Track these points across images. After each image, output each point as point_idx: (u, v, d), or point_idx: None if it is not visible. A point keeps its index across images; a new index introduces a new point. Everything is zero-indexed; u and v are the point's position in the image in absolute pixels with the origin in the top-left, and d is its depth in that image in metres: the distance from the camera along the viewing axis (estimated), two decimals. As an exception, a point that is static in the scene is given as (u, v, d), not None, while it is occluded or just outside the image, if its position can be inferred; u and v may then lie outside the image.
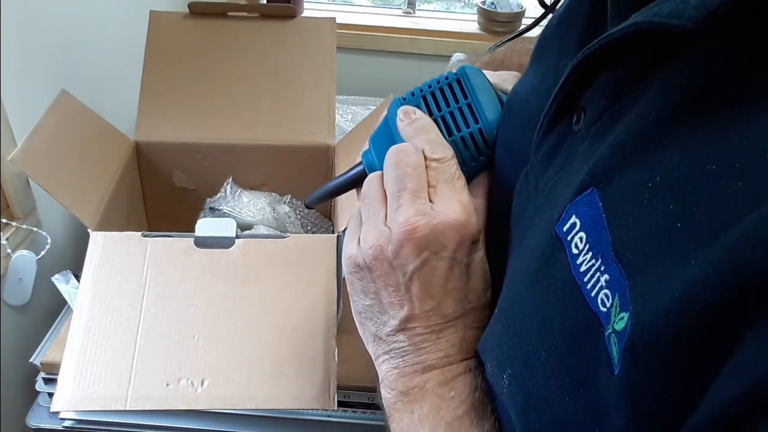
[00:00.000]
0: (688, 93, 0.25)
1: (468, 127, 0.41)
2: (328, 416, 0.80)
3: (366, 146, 0.46)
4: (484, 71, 0.44)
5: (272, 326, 0.71)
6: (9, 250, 0.91)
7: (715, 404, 0.20)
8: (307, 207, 0.52)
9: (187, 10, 1.07)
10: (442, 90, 0.42)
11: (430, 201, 0.36)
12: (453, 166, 0.38)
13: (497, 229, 0.38)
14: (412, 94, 0.43)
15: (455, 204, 0.36)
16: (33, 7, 0.96)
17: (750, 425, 0.19)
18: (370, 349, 0.39)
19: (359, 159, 0.46)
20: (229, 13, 1.09)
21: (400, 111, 0.41)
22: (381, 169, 0.40)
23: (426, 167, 0.37)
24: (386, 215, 0.37)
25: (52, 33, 1.02)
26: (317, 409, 0.79)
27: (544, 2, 0.90)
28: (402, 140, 0.40)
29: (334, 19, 1.09)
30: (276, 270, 0.74)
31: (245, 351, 0.69)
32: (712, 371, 0.20)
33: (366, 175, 0.42)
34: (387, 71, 1.78)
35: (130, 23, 1.15)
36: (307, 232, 1.05)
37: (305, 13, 1.73)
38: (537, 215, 0.32)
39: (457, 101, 0.41)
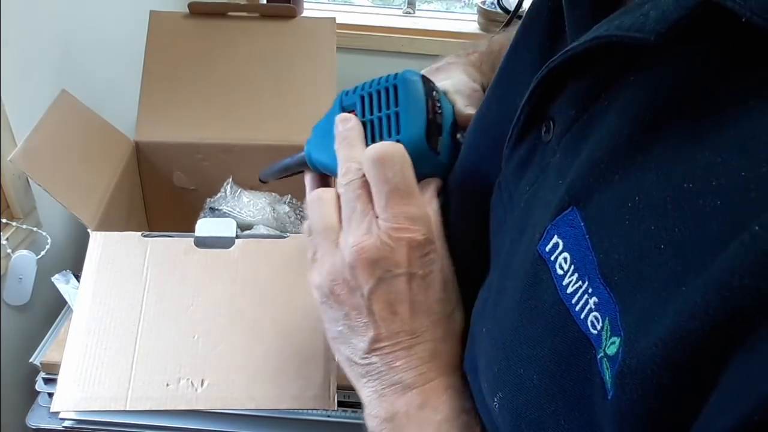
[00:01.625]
0: (657, 105, 0.25)
1: (390, 136, 0.40)
2: (328, 416, 0.80)
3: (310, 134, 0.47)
4: (438, 76, 0.45)
5: (272, 326, 0.71)
6: (9, 250, 0.91)
7: None
8: (261, 181, 0.54)
9: (187, 10, 1.07)
10: (378, 93, 0.42)
11: (377, 218, 0.36)
12: (399, 169, 0.37)
13: (467, 231, 0.38)
14: (355, 90, 0.43)
15: (400, 218, 0.35)
16: (33, 7, 0.96)
17: None
18: (349, 374, 0.39)
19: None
20: (229, 13, 1.09)
21: (338, 118, 0.42)
22: (317, 159, 0.43)
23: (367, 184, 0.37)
24: (337, 240, 0.37)
25: (52, 33, 1.01)
26: (317, 409, 0.78)
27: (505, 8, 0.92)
28: None
29: (334, 19, 1.09)
30: (276, 270, 0.74)
31: (245, 351, 0.69)
32: (701, 401, 0.20)
33: (303, 160, 0.45)
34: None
35: (130, 23, 1.15)
36: (307, 232, 1.05)
37: (305, 13, 1.73)
38: (516, 231, 0.32)
39: (388, 107, 0.41)
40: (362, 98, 0.42)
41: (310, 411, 0.80)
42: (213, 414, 0.78)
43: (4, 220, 0.90)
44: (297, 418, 0.81)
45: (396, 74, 0.42)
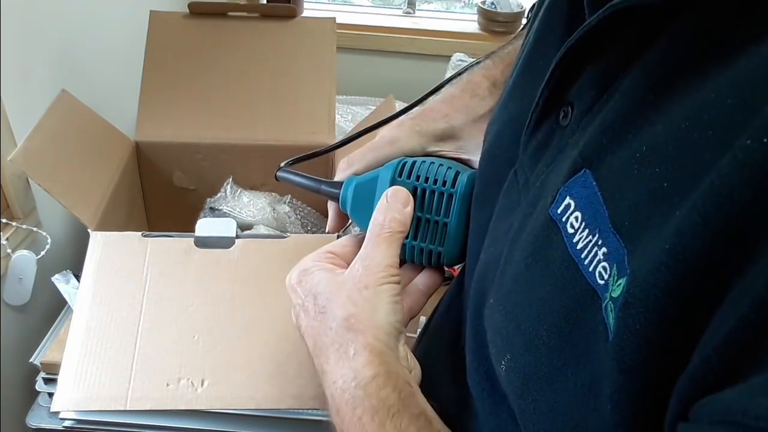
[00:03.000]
0: (668, 65, 0.26)
1: (433, 243, 0.43)
2: (328, 416, 0.80)
3: (353, 167, 0.47)
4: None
5: (272, 326, 0.71)
6: (9, 250, 0.91)
7: (708, 347, 0.20)
8: (276, 178, 0.54)
9: (187, 10, 1.07)
10: (433, 194, 0.43)
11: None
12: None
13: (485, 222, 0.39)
14: (410, 172, 0.44)
15: None
16: (33, 7, 0.96)
17: (745, 361, 0.19)
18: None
19: (341, 175, 0.48)
20: (229, 13, 1.09)
21: (390, 192, 0.43)
22: (352, 213, 0.45)
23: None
24: None
25: (52, 33, 1.02)
26: (317, 409, 0.78)
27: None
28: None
29: (334, 19, 1.09)
30: (276, 270, 0.74)
31: (245, 351, 0.69)
32: (704, 323, 0.20)
33: (335, 199, 0.46)
34: (387, 71, 1.78)
35: (130, 23, 1.15)
36: (307, 232, 1.05)
37: (305, 13, 1.73)
38: (529, 206, 0.32)
39: (438, 213, 0.43)
40: (415, 191, 0.43)
41: (310, 411, 0.80)
42: (213, 414, 0.78)
43: (4, 220, 0.90)
44: (297, 418, 0.81)
45: (456, 175, 0.43)
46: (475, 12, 1.79)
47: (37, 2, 0.96)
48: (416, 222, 0.43)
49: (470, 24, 1.80)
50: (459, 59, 1.52)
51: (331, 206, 0.50)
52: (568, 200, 0.28)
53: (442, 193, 0.43)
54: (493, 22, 1.73)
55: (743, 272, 0.19)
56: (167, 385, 0.66)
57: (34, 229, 0.95)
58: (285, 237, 0.76)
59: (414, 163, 0.44)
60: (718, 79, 0.23)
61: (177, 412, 0.78)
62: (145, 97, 1.03)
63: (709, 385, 0.20)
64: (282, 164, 0.53)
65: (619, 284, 0.24)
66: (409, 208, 0.42)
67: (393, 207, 0.42)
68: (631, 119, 0.26)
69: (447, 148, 0.48)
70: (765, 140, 0.19)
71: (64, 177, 0.81)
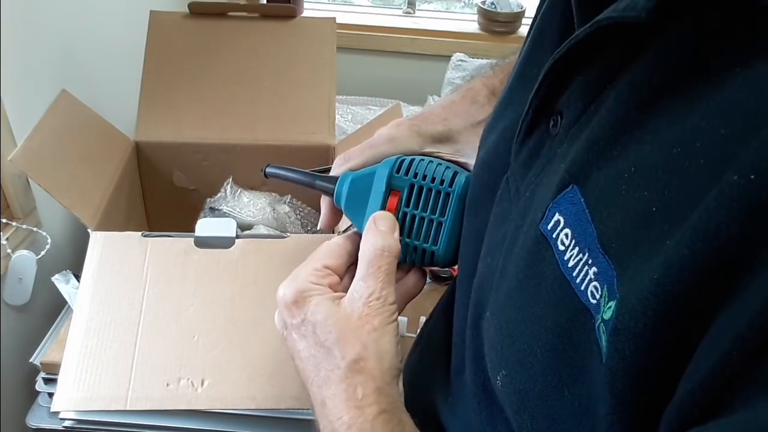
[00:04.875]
0: (653, 82, 0.26)
1: (427, 242, 0.42)
2: None
3: (349, 162, 0.47)
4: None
5: (272, 326, 0.71)
6: (9, 250, 0.91)
7: (692, 381, 0.20)
8: (264, 175, 0.54)
9: (187, 10, 1.07)
10: (430, 192, 0.42)
11: None
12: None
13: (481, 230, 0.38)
14: (407, 169, 0.43)
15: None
16: (33, 7, 0.96)
17: (728, 396, 0.19)
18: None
19: (337, 171, 0.47)
20: (229, 13, 1.09)
21: (378, 217, 0.43)
22: (346, 210, 0.45)
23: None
24: None
25: (52, 33, 1.01)
26: (317, 409, 0.78)
27: None
28: (375, 205, 0.43)
29: (334, 19, 1.09)
30: (276, 270, 0.74)
31: (245, 351, 0.69)
32: (691, 353, 0.21)
33: (330, 194, 0.46)
34: (387, 71, 1.78)
35: (130, 23, 1.15)
36: (307, 232, 1.05)
37: (305, 13, 1.73)
38: (520, 218, 0.33)
39: (434, 212, 0.42)
40: (412, 187, 0.43)
41: (310, 411, 0.80)
42: (213, 414, 0.79)
43: (4, 220, 0.90)
44: (297, 418, 0.81)
45: (454, 175, 0.43)
46: (475, 12, 1.79)
47: (37, 2, 0.96)
48: (411, 220, 0.42)
49: (470, 24, 1.80)
50: (459, 59, 1.52)
51: (324, 201, 0.49)
52: (557, 216, 0.28)
53: (439, 192, 0.42)
54: (493, 22, 1.73)
55: (728, 305, 0.20)
56: (167, 385, 0.66)
57: (34, 229, 0.95)
58: (285, 237, 0.76)
59: (412, 160, 0.44)
60: (708, 103, 0.23)
61: (177, 412, 0.78)
62: (145, 97, 1.03)
63: (695, 418, 0.20)
64: (265, 169, 0.53)
65: (610, 307, 0.24)
66: (396, 234, 0.42)
67: (386, 234, 0.41)
68: (617, 136, 0.26)
69: (444, 150, 0.48)
70: (752, 177, 0.19)
71: (64, 177, 0.81)
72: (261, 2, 1.69)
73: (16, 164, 0.75)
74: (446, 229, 0.42)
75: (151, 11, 1.06)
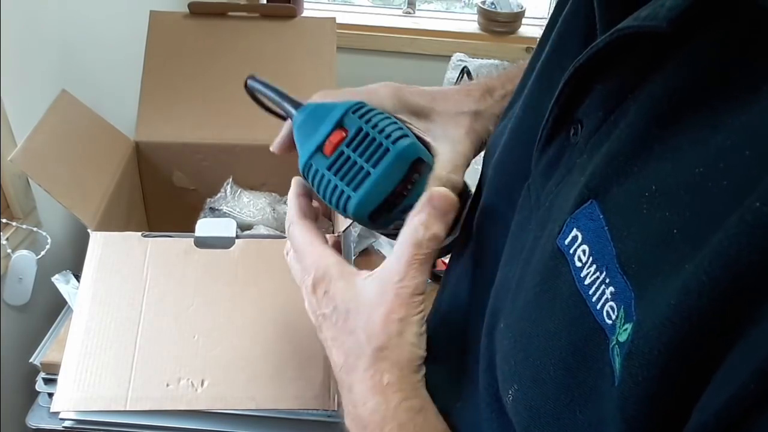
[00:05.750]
0: (676, 96, 0.25)
1: (348, 185, 0.41)
2: (328, 416, 0.80)
3: (325, 99, 0.47)
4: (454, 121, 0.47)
5: (272, 326, 0.71)
6: (9, 250, 0.91)
7: (707, 412, 0.20)
8: (245, 86, 0.53)
9: (187, 10, 1.07)
10: (373, 141, 0.42)
11: None
12: (289, 237, 0.45)
13: (498, 235, 0.38)
14: (363, 114, 0.43)
15: (299, 274, 0.43)
16: (33, 7, 0.96)
17: (744, 429, 0.19)
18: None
19: (304, 101, 0.47)
20: (229, 13, 1.09)
21: (437, 194, 0.41)
22: (297, 137, 0.45)
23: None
24: None
25: (52, 33, 1.02)
26: (317, 409, 0.78)
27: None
28: (320, 135, 0.43)
29: (334, 19, 1.09)
30: (276, 270, 0.74)
31: (245, 351, 0.69)
32: (706, 382, 0.20)
33: (290, 117, 0.47)
34: (387, 71, 1.78)
35: (130, 23, 1.15)
36: (307, 232, 1.05)
37: (305, 13, 1.73)
38: (539, 229, 0.32)
39: (368, 160, 0.41)
40: (359, 131, 0.42)
41: (310, 411, 0.80)
42: (213, 414, 0.78)
43: (4, 220, 0.90)
44: (297, 418, 0.80)
45: (401, 137, 0.42)
46: (475, 12, 1.79)
47: (37, 2, 0.96)
48: (344, 160, 0.41)
49: (470, 24, 1.80)
50: (459, 59, 1.52)
51: (285, 124, 0.49)
52: (575, 232, 0.28)
53: (380, 144, 0.41)
54: (493, 22, 1.73)
55: (746, 335, 0.19)
56: (167, 385, 0.66)
57: (34, 229, 0.95)
58: (285, 237, 0.76)
59: (371, 109, 0.43)
60: (733, 123, 0.22)
61: (177, 413, 0.78)
62: (145, 97, 1.03)
63: None
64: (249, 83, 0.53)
65: (626, 329, 0.23)
66: (448, 218, 0.40)
67: (438, 217, 0.39)
68: (636, 151, 0.26)
69: (415, 125, 0.47)
70: None
71: (64, 177, 0.81)
72: (261, 2, 1.69)
73: (16, 164, 0.75)
74: (370, 181, 0.41)
75: (151, 11, 1.06)
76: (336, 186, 0.41)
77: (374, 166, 0.41)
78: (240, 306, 0.72)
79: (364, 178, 0.41)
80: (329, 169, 0.42)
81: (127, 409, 0.65)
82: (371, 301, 0.39)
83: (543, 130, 0.34)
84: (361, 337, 0.39)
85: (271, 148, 0.49)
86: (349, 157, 0.41)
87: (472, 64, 1.49)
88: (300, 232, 0.44)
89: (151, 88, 1.03)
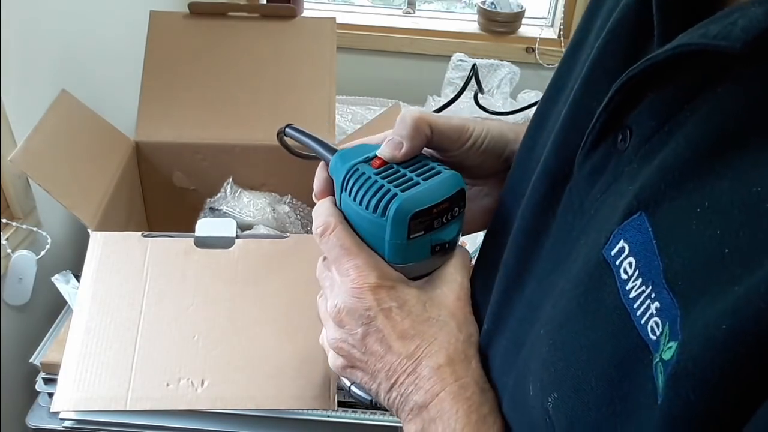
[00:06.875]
0: (743, 118, 0.25)
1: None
2: (328, 416, 0.80)
3: (345, 145, 0.47)
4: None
5: (272, 326, 0.71)
6: (9, 250, 0.91)
7: None
8: (283, 133, 0.53)
9: (187, 10, 1.07)
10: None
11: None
12: (334, 238, 0.42)
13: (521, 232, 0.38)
14: (352, 187, 0.43)
15: (350, 272, 0.40)
16: (33, 8, 0.96)
17: None
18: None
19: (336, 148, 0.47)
20: (229, 13, 1.09)
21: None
22: (329, 172, 0.45)
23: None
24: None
25: (52, 33, 1.02)
26: (317, 409, 0.78)
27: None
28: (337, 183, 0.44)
29: (334, 19, 1.09)
30: (276, 270, 0.74)
31: (245, 351, 0.69)
32: (755, 405, 0.20)
33: (326, 161, 0.46)
34: (387, 71, 1.78)
35: (130, 23, 1.15)
36: (307, 232, 1.05)
37: (305, 13, 1.73)
38: (583, 236, 0.32)
39: (418, 175, 0.42)
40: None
41: (310, 411, 0.80)
42: (213, 414, 0.78)
43: (4, 220, 0.90)
44: (297, 418, 0.80)
45: (391, 199, 0.41)
46: (475, 12, 1.79)
47: (37, 2, 0.96)
48: (393, 170, 0.42)
49: (470, 24, 1.80)
50: (459, 59, 1.52)
51: (319, 170, 0.48)
52: (622, 243, 0.28)
53: (432, 167, 0.42)
54: (493, 22, 1.73)
55: None
56: (167, 385, 0.66)
57: (34, 229, 0.95)
58: (285, 237, 0.76)
59: (362, 174, 0.42)
60: None
61: (177, 412, 0.78)
62: (145, 97, 1.03)
63: None
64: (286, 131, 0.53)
65: (670, 347, 0.23)
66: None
67: None
68: (694, 167, 0.25)
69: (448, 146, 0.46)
70: None
71: (64, 177, 0.81)
72: (261, 2, 1.69)
73: (16, 164, 0.75)
74: (419, 187, 0.41)
75: (151, 11, 1.06)
76: (382, 186, 0.41)
77: (424, 180, 0.41)
78: (240, 306, 0.72)
79: (413, 185, 0.41)
80: (377, 174, 0.42)
81: (127, 409, 0.65)
82: (441, 320, 0.41)
83: (589, 135, 0.33)
84: (451, 325, 0.40)
85: (313, 196, 0.49)
86: (398, 170, 0.42)
87: (472, 64, 1.49)
88: (346, 234, 0.43)
89: (151, 88, 1.03)
